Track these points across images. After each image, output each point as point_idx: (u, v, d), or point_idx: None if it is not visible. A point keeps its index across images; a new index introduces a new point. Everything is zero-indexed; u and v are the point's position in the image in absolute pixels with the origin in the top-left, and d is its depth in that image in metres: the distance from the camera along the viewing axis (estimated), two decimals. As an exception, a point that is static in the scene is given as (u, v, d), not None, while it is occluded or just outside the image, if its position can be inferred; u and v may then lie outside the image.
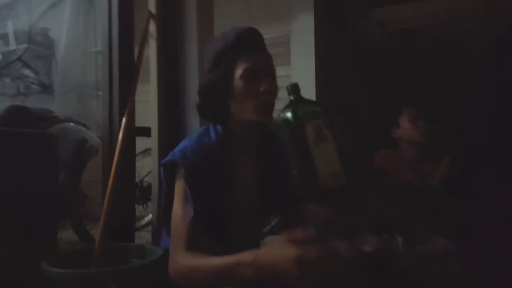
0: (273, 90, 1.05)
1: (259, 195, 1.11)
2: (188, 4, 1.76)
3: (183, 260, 0.95)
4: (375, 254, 1.53)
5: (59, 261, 1.12)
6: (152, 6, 1.72)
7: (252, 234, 1.07)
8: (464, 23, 3.89)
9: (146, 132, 1.85)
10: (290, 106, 0.91)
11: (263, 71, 1.05)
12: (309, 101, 0.96)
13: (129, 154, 1.64)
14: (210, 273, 0.89)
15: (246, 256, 0.86)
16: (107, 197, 1.34)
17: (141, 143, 1.94)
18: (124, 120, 1.56)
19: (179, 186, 1.03)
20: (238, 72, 1.02)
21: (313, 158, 0.86)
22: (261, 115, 1.04)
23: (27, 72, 2.81)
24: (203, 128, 1.15)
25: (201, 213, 0.99)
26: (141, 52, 1.64)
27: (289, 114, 0.89)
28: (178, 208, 1.02)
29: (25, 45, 2.79)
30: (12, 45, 2.75)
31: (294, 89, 0.93)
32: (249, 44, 1.05)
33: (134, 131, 1.71)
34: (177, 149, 1.08)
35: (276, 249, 0.85)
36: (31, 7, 2.83)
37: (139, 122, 1.78)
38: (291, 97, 0.93)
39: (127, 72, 1.64)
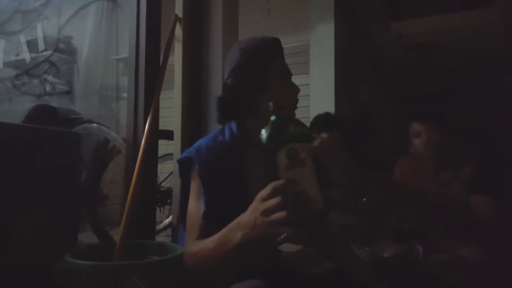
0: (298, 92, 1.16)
1: None
2: (214, 8, 1.79)
3: (192, 248, 1.00)
4: (393, 260, 1.52)
5: (81, 254, 1.13)
6: (179, 10, 1.76)
7: None
8: (483, 38, 3.88)
9: (169, 135, 1.88)
10: (268, 128, 0.86)
11: (290, 74, 1.17)
12: (291, 121, 0.93)
13: (152, 155, 1.67)
14: (209, 250, 0.94)
15: (234, 221, 0.91)
16: (130, 193, 1.36)
17: (159, 149, 1.96)
18: (148, 121, 1.59)
19: (194, 182, 1.08)
20: (276, 70, 1.11)
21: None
22: (291, 113, 1.13)
23: (51, 76, 2.89)
24: (218, 129, 1.21)
25: (214, 209, 1.03)
26: (166, 54, 1.68)
27: (264, 137, 0.86)
28: (192, 203, 1.07)
29: (50, 52, 2.89)
30: (41, 47, 2.85)
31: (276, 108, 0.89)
32: (281, 49, 1.16)
33: (158, 134, 1.74)
34: (192, 147, 1.13)
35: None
36: (60, 10, 2.92)
37: (161, 128, 1.81)
38: (272, 117, 0.88)
39: (153, 74, 1.68)
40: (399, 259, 1.50)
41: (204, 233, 1.01)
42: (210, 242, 0.95)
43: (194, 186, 1.08)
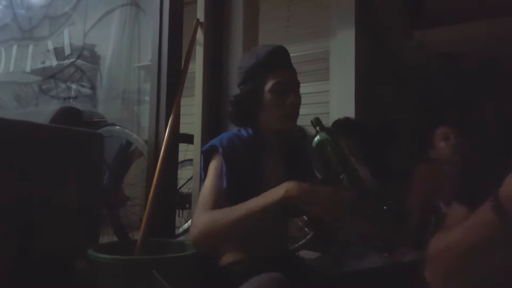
0: (298, 102, 1.19)
1: None
2: (235, 13, 1.82)
3: (206, 217, 1.00)
4: (412, 264, 1.49)
5: (103, 249, 1.16)
6: (200, 15, 1.80)
7: (278, 225, 1.20)
8: (509, 47, 3.80)
9: (189, 139, 1.90)
10: (319, 132, 1.06)
11: (290, 85, 1.18)
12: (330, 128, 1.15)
13: (172, 157, 1.70)
14: (239, 215, 0.96)
15: (275, 192, 0.96)
16: (152, 191, 1.39)
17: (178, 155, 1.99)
18: (169, 124, 1.62)
19: (214, 163, 1.12)
20: (268, 86, 1.15)
21: (352, 164, 1.02)
22: (287, 124, 1.18)
23: (76, 81, 2.97)
24: (237, 129, 1.27)
25: (234, 189, 1.07)
26: (188, 57, 1.72)
27: (324, 135, 1.04)
28: (209, 181, 1.10)
29: (75, 58, 2.98)
30: (67, 52, 2.95)
31: (318, 121, 1.08)
32: (278, 61, 1.19)
33: (178, 137, 1.77)
34: (214, 139, 1.19)
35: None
36: (86, 15, 3.01)
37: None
38: (317, 128, 1.07)
39: (174, 78, 1.71)
40: (418, 263, 1.47)
41: (218, 207, 1.03)
42: (240, 207, 0.97)
43: (214, 167, 1.11)
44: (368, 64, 3.09)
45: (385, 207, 2.20)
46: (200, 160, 1.19)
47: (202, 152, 1.18)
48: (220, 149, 1.11)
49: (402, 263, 1.59)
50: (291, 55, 1.23)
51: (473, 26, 3.71)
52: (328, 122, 2.85)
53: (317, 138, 1.05)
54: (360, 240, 1.92)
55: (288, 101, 1.15)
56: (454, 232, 0.68)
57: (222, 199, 1.05)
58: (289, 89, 1.18)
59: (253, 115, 1.20)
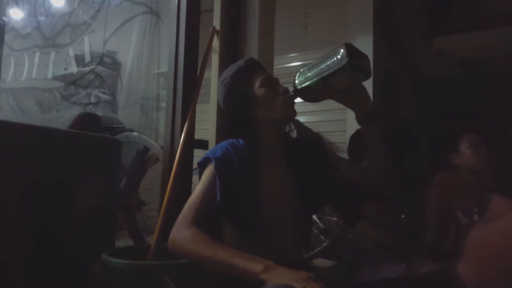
0: (288, 92, 1.20)
1: (286, 195, 1.19)
2: (250, 21, 1.84)
3: (188, 235, 1.01)
4: (430, 276, 1.46)
5: (117, 254, 1.17)
6: (216, 22, 1.82)
7: (281, 231, 1.16)
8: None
9: (203, 144, 1.91)
10: None
11: (274, 79, 1.25)
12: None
13: (187, 163, 1.71)
14: (210, 262, 0.96)
15: (257, 265, 0.91)
16: (166, 196, 1.40)
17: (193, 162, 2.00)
18: (184, 130, 1.63)
19: (206, 173, 1.14)
20: (257, 83, 1.19)
21: None
22: (289, 109, 1.19)
23: (96, 88, 3.03)
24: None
25: (226, 202, 1.08)
26: (204, 65, 1.73)
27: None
28: (198, 189, 1.11)
29: (95, 64, 3.05)
30: (87, 59, 3.02)
31: None
32: (257, 65, 1.28)
33: (193, 143, 1.78)
34: (210, 150, 1.22)
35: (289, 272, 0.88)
36: (106, 23, 3.08)
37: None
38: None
39: (190, 85, 1.73)
40: (436, 275, 1.44)
41: (201, 219, 1.04)
42: (222, 252, 0.96)
43: (206, 176, 1.12)
44: (386, 71, 3.06)
45: (403, 216, 2.16)
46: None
47: (197, 164, 1.20)
48: (213, 161, 1.12)
49: (419, 274, 1.56)
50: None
51: (494, 33, 3.64)
52: (345, 129, 2.84)
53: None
54: (376, 249, 1.90)
55: (280, 90, 1.20)
56: (502, 219, 0.62)
57: (206, 212, 1.07)
58: (276, 83, 1.23)
59: (250, 117, 1.19)
